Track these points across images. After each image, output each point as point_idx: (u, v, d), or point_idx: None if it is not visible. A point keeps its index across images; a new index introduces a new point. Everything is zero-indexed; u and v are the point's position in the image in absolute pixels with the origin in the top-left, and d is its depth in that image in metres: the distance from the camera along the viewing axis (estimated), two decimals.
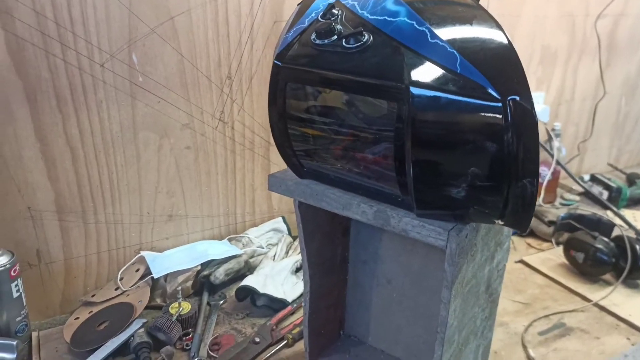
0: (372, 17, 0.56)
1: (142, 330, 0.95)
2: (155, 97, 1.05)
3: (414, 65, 0.49)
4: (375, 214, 0.60)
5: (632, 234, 1.25)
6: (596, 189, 1.65)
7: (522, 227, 0.50)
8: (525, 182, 0.46)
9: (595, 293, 1.14)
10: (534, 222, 1.41)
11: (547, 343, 1.00)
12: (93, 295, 1.05)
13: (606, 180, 1.63)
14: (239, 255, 1.16)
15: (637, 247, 1.13)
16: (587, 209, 1.53)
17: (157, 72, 1.04)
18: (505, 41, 0.47)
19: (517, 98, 0.44)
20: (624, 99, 1.89)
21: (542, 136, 1.59)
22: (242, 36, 1.12)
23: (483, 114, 0.45)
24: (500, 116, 0.44)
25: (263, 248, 1.23)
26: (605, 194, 1.62)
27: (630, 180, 1.77)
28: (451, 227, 0.54)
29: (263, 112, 1.19)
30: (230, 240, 1.23)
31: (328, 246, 0.86)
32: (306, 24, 0.60)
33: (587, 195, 1.62)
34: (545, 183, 1.52)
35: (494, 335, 1.01)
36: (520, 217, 0.49)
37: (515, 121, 0.44)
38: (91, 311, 1.01)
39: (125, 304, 1.01)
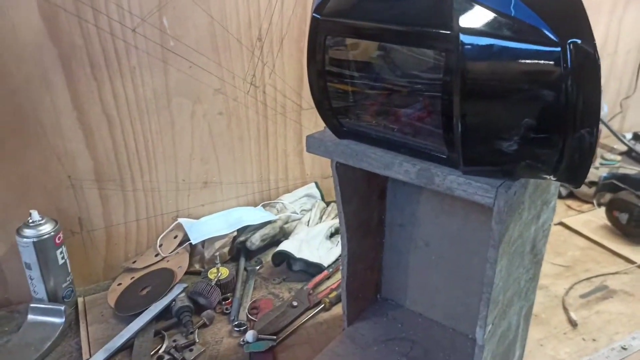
0: None
1: (183, 294, 0.97)
2: (187, 61, 1.04)
3: (464, 10, 0.46)
4: (418, 173, 0.58)
5: None
6: (639, 147, 1.58)
7: (577, 182, 0.48)
8: (583, 133, 0.43)
9: None
10: None
11: (589, 306, 0.98)
12: (134, 262, 1.08)
13: None
14: (274, 221, 1.17)
15: None
16: (631, 168, 1.47)
17: (188, 35, 1.02)
18: None
19: (579, 41, 0.41)
20: None
21: None
22: None
23: (540, 60, 0.42)
24: (559, 62, 0.41)
25: (297, 214, 1.23)
26: None
27: None
28: (499, 184, 0.52)
29: (294, 74, 1.17)
30: (264, 206, 1.23)
31: (365, 209, 0.85)
32: None
33: (629, 154, 1.56)
34: None
35: (536, 299, 1.00)
36: (576, 171, 0.47)
37: (575, 67, 0.41)
38: (133, 277, 1.03)
39: (165, 270, 1.03)
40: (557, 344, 0.89)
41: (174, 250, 1.08)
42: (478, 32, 0.44)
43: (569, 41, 0.41)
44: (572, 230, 1.23)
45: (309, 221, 1.21)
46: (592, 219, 1.26)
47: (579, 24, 0.42)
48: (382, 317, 0.93)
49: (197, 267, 1.09)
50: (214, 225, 1.11)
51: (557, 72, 0.41)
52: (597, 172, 1.38)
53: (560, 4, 0.43)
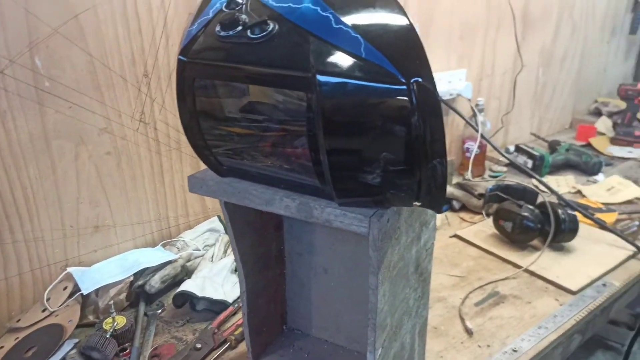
0: (277, 4, 0.54)
1: (74, 351, 0.90)
2: (66, 102, 0.99)
3: (320, 52, 0.48)
4: (298, 207, 0.59)
5: (555, 200, 1.32)
6: (521, 159, 1.72)
7: (437, 207, 0.51)
8: (435, 163, 0.46)
9: (525, 259, 1.19)
10: (465, 197, 1.45)
11: (483, 313, 1.04)
12: (18, 320, 0.98)
13: (529, 150, 1.71)
14: (175, 261, 1.13)
15: (559, 211, 1.19)
16: (514, 179, 1.60)
17: (65, 75, 0.97)
18: (407, 23, 0.47)
19: (420, 79, 0.44)
20: (541, 70, 1.98)
21: (467, 112, 1.64)
22: (156, 31, 1.07)
23: (389, 97, 0.45)
24: (406, 98, 0.44)
25: (200, 250, 1.19)
26: (529, 163, 1.70)
27: (552, 147, 1.87)
28: (372, 213, 0.54)
29: None
30: (164, 245, 1.19)
31: (261, 242, 0.84)
32: (210, 15, 0.58)
33: (512, 165, 1.69)
34: (472, 157, 1.57)
35: (434, 311, 1.04)
36: (435, 198, 0.50)
37: (419, 103, 0.44)
38: (17, 337, 0.94)
39: (54, 326, 0.96)
40: (456, 354, 0.93)
41: (64, 302, 1.01)
42: (333, 72, 0.46)
43: (412, 80, 0.44)
44: (465, 242, 1.30)
45: (212, 257, 1.18)
46: (483, 229, 1.35)
47: (420, 64, 0.45)
48: (288, 349, 0.92)
49: (91, 318, 1.02)
50: (107, 272, 1.05)
51: (404, 108, 0.44)
52: (485, 184, 1.48)
53: (404, 47, 0.46)
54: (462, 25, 1.61)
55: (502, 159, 1.74)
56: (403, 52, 0.46)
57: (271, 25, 0.52)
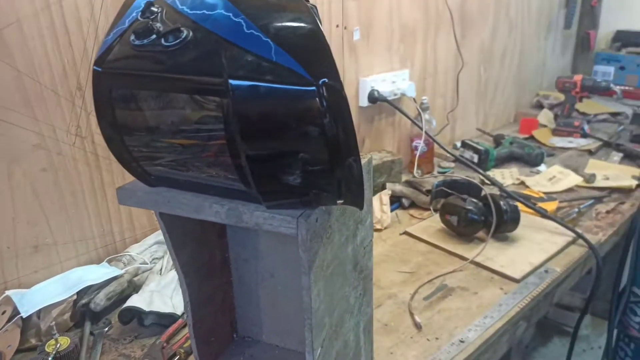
0: (191, 12, 0.54)
1: None
2: None
3: (232, 58, 0.48)
4: (227, 212, 0.59)
5: (498, 192, 1.36)
6: (467, 154, 1.77)
7: (359, 204, 0.52)
8: (350, 161, 0.47)
9: (471, 251, 1.22)
10: (414, 194, 1.48)
11: (432, 306, 1.06)
12: None
13: (475, 145, 1.76)
14: (120, 276, 1.10)
15: (501, 202, 1.23)
16: (462, 174, 1.64)
17: None
18: (315, 27, 0.47)
19: (327, 80, 0.45)
20: (482, 67, 2.04)
21: (413, 111, 1.68)
22: (87, 43, 1.04)
23: (300, 99, 0.45)
24: (316, 99, 0.45)
25: (147, 264, 1.17)
26: (475, 158, 1.75)
27: (497, 141, 1.93)
28: (299, 214, 0.55)
29: None
30: (109, 261, 1.16)
31: (203, 251, 0.83)
32: (127, 24, 0.57)
33: (459, 161, 1.74)
34: (418, 155, 1.60)
35: (384, 308, 1.06)
36: (355, 194, 0.51)
37: (329, 103, 0.45)
38: None
39: None
40: (405, 349, 0.94)
41: (2, 327, 0.97)
42: (245, 77, 0.46)
43: (321, 81, 0.45)
44: (415, 238, 1.33)
45: (161, 269, 1.16)
46: (431, 224, 1.38)
47: (328, 66, 0.46)
48: (239, 357, 0.91)
49: (33, 342, 0.98)
50: (48, 292, 1.01)
51: (315, 108, 0.45)
52: (433, 180, 1.51)
53: (312, 49, 0.47)
54: (401, 27, 1.64)
55: (449, 155, 1.78)
56: (311, 55, 0.46)
57: (185, 33, 0.52)
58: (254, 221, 0.57)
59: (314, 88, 0.45)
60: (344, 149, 0.46)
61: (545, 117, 2.20)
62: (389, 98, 1.58)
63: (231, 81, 0.46)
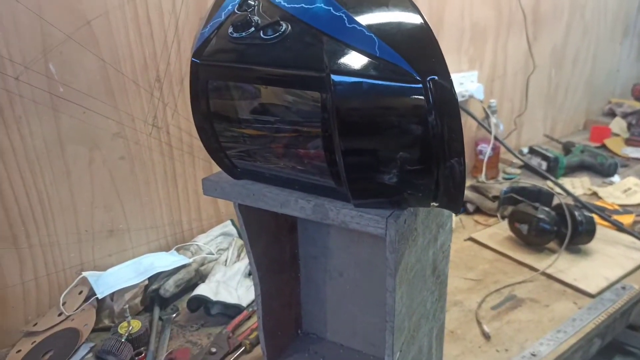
0: (289, 5, 0.54)
1: (90, 355, 0.90)
2: (80, 107, 1.00)
3: (334, 52, 0.47)
4: (313, 209, 0.58)
5: (571, 201, 1.30)
6: (535, 161, 1.70)
7: (455, 208, 0.50)
8: (453, 162, 0.45)
9: (542, 262, 1.17)
10: (479, 199, 1.44)
11: (500, 316, 1.02)
12: (35, 324, 0.99)
13: (543, 151, 1.69)
14: (189, 265, 1.13)
15: (576, 213, 1.17)
16: (528, 181, 1.58)
17: (79, 80, 0.98)
18: (421, 21, 0.46)
19: (436, 77, 0.43)
20: (553, 71, 1.96)
21: (480, 114, 1.63)
22: (168, 35, 1.07)
23: (405, 96, 0.44)
24: (422, 97, 0.43)
25: (213, 254, 1.19)
26: (544, 165, 1.68)
27: (567, 148, 1.85)
28: (389, 214, 0.53)
29: None
30: (178, 250, 1.19)
31: (275, 245, 0.84)
32: (223, 17, 0.58)
33: (527, 167, 1.67)
34: (486, 159, 1.55)
35: (450, 315, 1.03)
36: (453, 197, 0.49)
37: (436, 101, 0.43)
38: (34, 341, 0.95)
39: (70, 330, 0.96)
40: (473, 358, 0.91)
41: (80, 307, 1.01)
42: (347, 72, 0.46)
43: (428, 78, 0.43)
44: (480, 244, 1.29)
45: (226, 261, 1.18)
46: (498, 231, 1.33)
47: (436, 62, 0.44)
48: (304, 353, 0.91)
49: (106, 322, 1.02)
50: (122, 276, 1.05)
51: (420, 106, 0.44)
52: (500, 186, 1.47)
53: (419, 44, 0.45)
54: (472, 26, 1.60)
55: (515, 160, 1.72)
56: (418, 51, 0.45)
57: (284, 26, 0.52)
58: (341, 219, 0.56)
59: (420, 85, 0.43)
60: (447, 149, 0.45)
61: (617, 125, 2.09)
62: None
63: (333, 76, 0.46)
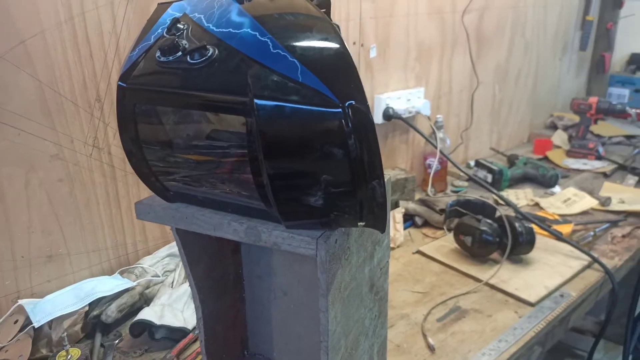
0: (217, 29, 0.54)
1: None
2: (14, 129, 0.96)
3: (258, 77, 0.48)
4: (246, 231, 0.58)
5: (512, 213, 1.35)
6: (481, 173, 1.76)
7: (380, 227, 0.51)
8: (374, 184, 0.47)
9: (486, 273, 1.21)
10: (427, 212, 1.47)
11: (445, 328, 1.04)
12: None
13: (488, 164, 1.75)
14: (132, 288, 1.10)
15: (516, 224, 1.22)
16: (475, 193, 1.63)
17: (13, 101, 0.95)
18: (342, 48, 0.47)
19: (354, 102, 0.44)
20: (497, 87, 2.04)
21: (427, 129, 1.67)
22: (108, 55, 1.05)
23: (325, 120, 0.45)
24: (341, 121, 0.44)
25: (159, 276, 1.17)
26: (489, 177, 1.74)
27: (511, 161, 1.92)
28: (319, 235, 0.54)
29: None
30: (121, 273, 1.16)
31: (217, 267, 0.83)
32: (152, 40, 0.57)
33: (473, 180, 1.72)
34: (432, 173, 1.59)
35: (396, 329, 1.04)
36: (377, 217, 0.50)
37: (354, 125, 0.44)
38: None
39: None
40: None
41: (14, 337, 0.97)
42: (270, 97, 0.46)
43: (347, 103, 0.44)
44: (428, 257, 1.32)
45: (173, 282, 1.16)
46: (445, 244, 1.36)
47: (354, 88, 0.46)
48: None
49: (44, 352, 0.98)
50: (60, 302, 1.01)
51: (340, 130, 0.45)
52: (447, 199, 1.50)
53: (339, 71, 0.47)
54: (418, 45, 1.65)
55: (462, 174, 1.77)
56: (338, 76, 0.46)
57: (211, 50, 0.52)
58: (273, 241, 0.57)
59: (339, 110, 0.45)
60: (368, 171, 0.46)
61: (559, 138, 2.19)
62: (404, 116, 1.58)
63: (256, 100, 0.46)
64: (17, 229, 1.01)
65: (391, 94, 1.58)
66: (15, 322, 1.00)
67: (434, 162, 1.61)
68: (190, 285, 0.78)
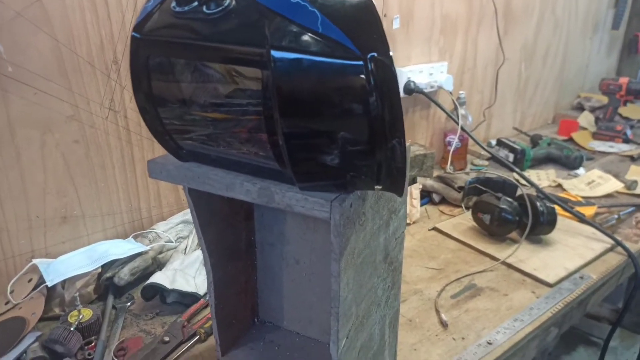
0: None
1: (36, 344, 0.87)
2: (31, 88, 0.96)
3: (276, 28, 0.46)
4: (259, 192, 0.57)
5: (534, 192, 1.31)
6: (503, 152, 1.72)
7: (398, 190, 0.49)
8: (394, 143, 0.44)
9: (503, 252, 1.18)
10: (445, 189, 1.44)
11: (459, 305, 1.02)
12: None
13: (511, 144, 1.70)
14: (145, 252, 1.10)
15: (538, 203, 1.18)
16: (495, 172, 1.59)
17: (31, 60, 0.94)
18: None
19: (376, 54, 0.42)
20: (523, 64, 1.97)
21: (449, 105, 1.63)
22: (125, 16, 1.03)
23: (345, 73, 0.43)
24: (362, 75, 0.42)
25: (172, 242, 1.16)
26: (511, 157, 1.69)
27: (534, 141, 1.87)
28: (334, 198, 0.52)
29: None
30: (135, 237, 1.16)
31: (229, 231, 0.82)
32: None
33: (494, 159, 1.68)
34: (452, 150, 1.56)
35: (409, 304, 1.03)
36: (395, 180, 0.48)
37: (377, 79, 0.42)
38: None
39: (16, 319, 0.92)
40: (430, 347, 0.91)
41: (28, 295, 0.98)
42: (288, 48, 0.44)
43: (369, 55, 0.42)
44: (444, 234, 1.29)
45: (186, 249, 1.16)
46: (462, 221, 1.34)
47: (378, 39, 0.43)
48: (258, 342, 0.90)
49: (57, 311, 0.99)
50: (73, 263, 1.02)
51: (361, 84, 0.42)
52: (466, 177, 1.47)
53: (361, 22, 0.44)
54: (443, 18, 1.59)
55: (483, 152, 1.73)
56: (361, 27, 0.43)
57: (227, 0, 0.49)
58: (286, 202, 0.55)
59: (361, 62, 0.42)
60: (388, 130, 0.43)
61: (585, 119, 2.12)
62: (425, 90, 1.54)
63: (273, 52, 0.44)
64: (33, 189, 1.01)
65: (413, 67, 1.54)
66: (29, 280, 1.01)
67: (454, 139, 1.57)
68: (201, 248, 0.77)
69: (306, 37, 0.44)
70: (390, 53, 0.41)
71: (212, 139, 0.57)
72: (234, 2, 0.50)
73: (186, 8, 0.51)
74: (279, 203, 0.56)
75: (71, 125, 1.02)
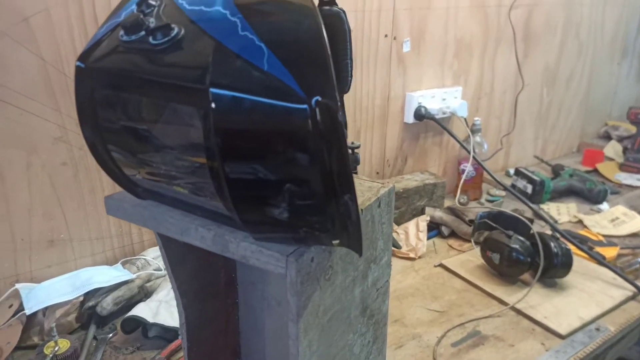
0: (189, 7, 0.47)
1: None
2: (16, 108, 0.93)
3: (220, 62, 0.40)
4: (214, 239, 0.51)
5: (549, 230, 1.22)
6: (521, 183, 1.62)
7: (356, 249, 0.43)
8: (345, 199, 0.38)
9: (513, 295, 1.09)
10: (455, 222, 1.36)
11: (460, 355, 0.94)
12: None
13: (529, 174, 1.61)
14: (132, 281, 1.05)
15: (552, 244, 1.09)
16: (512, 205, 1.50)
17: (14, 80, 0.92)
18: (317, 33, 0.39)
19: (320, 98, 0.36)
20: (545, 89, 1.88)
21: (463, 132, 1.55)
22: None
23: (288, 118, 0.37)
24: (307, 120, 0.36)
25: (161, 270, 1.12)
26: (529, 188, 1.60)
27: (556, 171, 1.77)
28: (291, 252, 0.46)
29: None
30: (124, 263, 1.12)
31: (206, 269, 0.76)
32: (122, 17, 0.51)
33: (508, 190, 1.59)
34: (463, 180, 1.47)
35: (405, 351, 0.95)
36: (352, 237, 0.42)
37: (322, 125, 0.36)
38: None
39: None
40: None
41: (7, 321, 0.94)
42: (229, 86, 0.39)
43: (314, 99, 0.36)
44: (450, 272, 1.21)
45: None
46: (471, 258, 1.25)
47: (325, 80, 0.37)
48: None
49: (35, 340, 0.95)
50: (55, 290, 0.98)
51: (305, 130, 0.36)
52: (477, 210, 1.38)
53: (310, 60, 0.38)
54: (457, 41, 1.52)
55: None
56: (309, 66, 0.38)
57: (175, 30, 0.45)
58: (241, 253, 0.49)
59: (305, 106, 0.36)
60: (337, 183, 0.37)
61: (612, 149, 2.01)
62: (437, 116, 1.46)
63: (212, 89, 0.39)
64: (17, 211, 0.98)
65: (425, 92, 1.47)
66: (10, 306, 0.97)
67: (468, 168, 1.49)
68: (172, 288, 0.72)
69: (249, 75, 0.39)
70: (337, 97, 0.35)
71: (164, 178, 0.51)
72: (182, 32, 0.45)
73: (133, 37, 0.46)
74: (233, 253, 0.50)
75: (59, 147, 1.00)
